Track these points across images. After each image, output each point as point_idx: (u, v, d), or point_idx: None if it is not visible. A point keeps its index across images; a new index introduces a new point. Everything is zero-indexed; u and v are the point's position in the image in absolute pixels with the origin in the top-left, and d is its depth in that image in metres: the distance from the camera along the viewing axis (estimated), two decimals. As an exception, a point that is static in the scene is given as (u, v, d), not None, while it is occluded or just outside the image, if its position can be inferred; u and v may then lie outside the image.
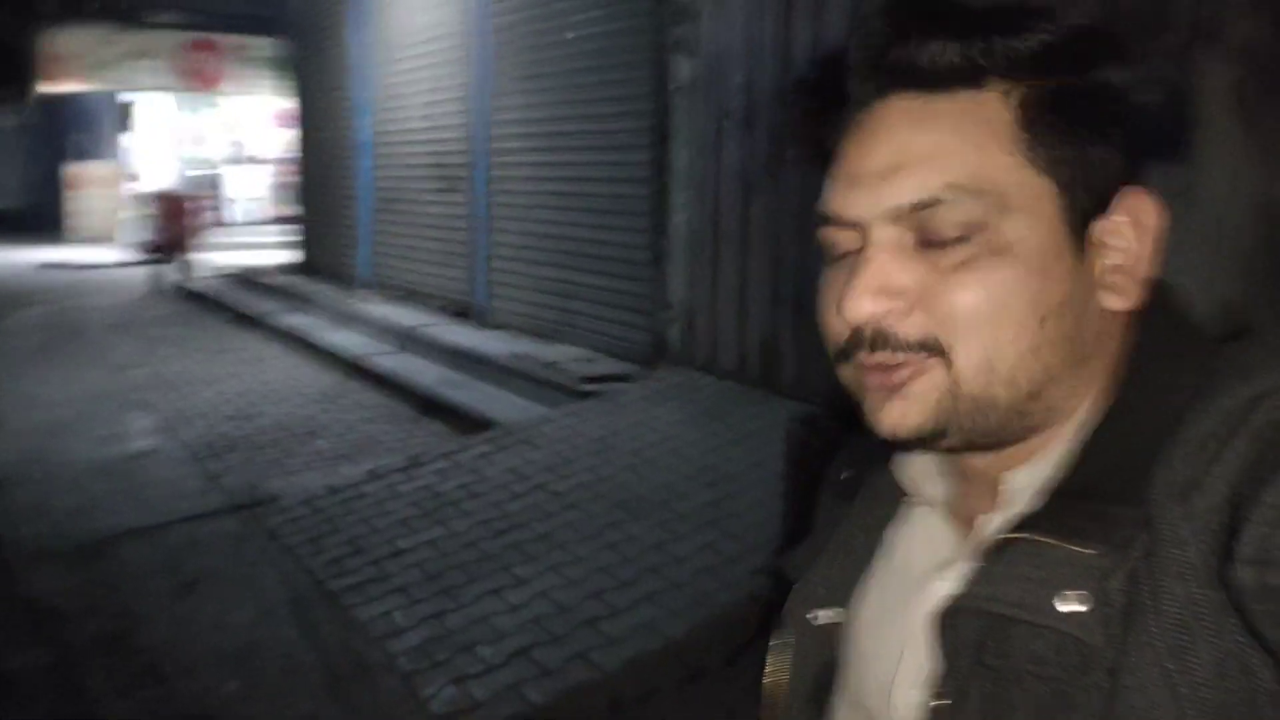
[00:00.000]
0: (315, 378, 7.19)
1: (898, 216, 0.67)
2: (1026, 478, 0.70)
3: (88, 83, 17.03)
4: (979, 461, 0.73)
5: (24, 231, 21.45)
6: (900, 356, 0.68)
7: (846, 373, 0.72)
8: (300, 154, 11.59)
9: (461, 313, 7.68)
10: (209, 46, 16.84)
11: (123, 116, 18.31)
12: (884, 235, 0.68)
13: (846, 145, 0.71)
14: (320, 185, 10.62)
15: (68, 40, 16.69)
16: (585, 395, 5.33)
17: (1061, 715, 0.61)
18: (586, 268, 6.34)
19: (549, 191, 6.75)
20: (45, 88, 17.50)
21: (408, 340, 7.27)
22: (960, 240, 0.66)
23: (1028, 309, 0.66)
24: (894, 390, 0.69)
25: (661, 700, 2.93)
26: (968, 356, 0.66)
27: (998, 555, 0.66)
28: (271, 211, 16.88)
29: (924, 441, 0.70)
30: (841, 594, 0.82)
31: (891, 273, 0.67)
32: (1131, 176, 0.69)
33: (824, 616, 0.83)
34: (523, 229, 7.08)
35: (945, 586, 0.72)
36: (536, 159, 6.87)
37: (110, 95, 17.96)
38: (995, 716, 0.64)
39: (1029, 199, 0.66)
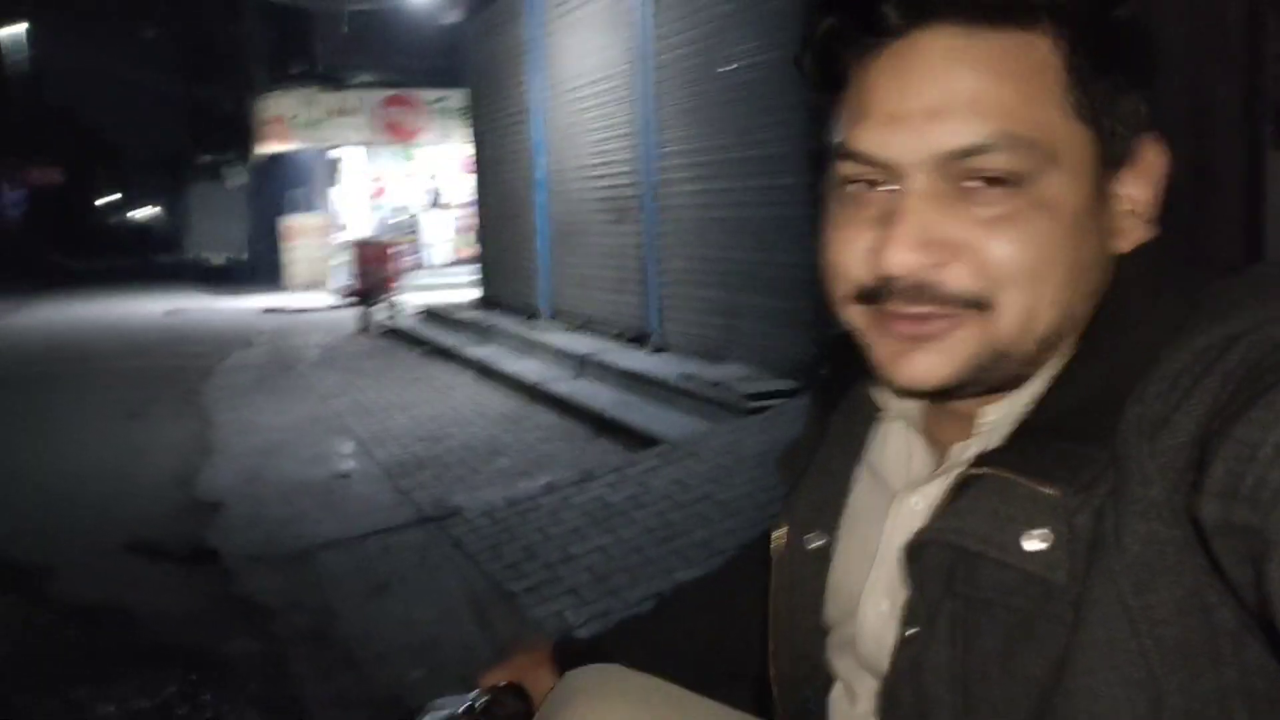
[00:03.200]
0: (499, 403, 7.60)
1: (943, 161, 0.63)
2: (1001, 411, 0.70)
3: (296, 142, 18.34)
4: None
5: (248, 281, 23.33)
6: (941, 309, 0.65)
7: (856, 314, 0.70)
8: (482, 195, 12.19)
9: (635, 338, 7.94)
10: (404, 101, 17.86)
11: (331, 171, 19.65)
12: (924, 182, 0.64)
13: (875, 76, 0.66)
14: (502, 223, 11.16)
15: (277, 104, 18.10)
16: (750, 412, 5.46)
17: (1025, 643, 0.62)
18: (750, 288, 6.49)
19: (713, 218, 6.94)
20: (263, 149, 19.02)
21: (584, 366, 7.59)
22: (1004, 187, 0.63)
23: (1068, 266, 0.65)
24: (922, 340, 0.66)
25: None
26: (1011, 312, 0.64)
27: (965, 490, 0.65)
28: (462, 252, 17.73)
29: (943, 394, 0.69)
30: (827, 517, 0.82)
31: (933, 223, 0.64)
32: (1149, 125, 0.68)
33: (816, 541, 0.82)
34: (689, 254, 7.30)
35: (917, 507, 0.72)
36: (700, 186, 7.08)
37: (320, 152, 19.32)
38: (964, 641, 0.65)
39: (1074, 154, 0.64)
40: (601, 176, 8.59)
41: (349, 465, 6.03)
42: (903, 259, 0.64)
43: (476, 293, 12.35)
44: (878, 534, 0.76)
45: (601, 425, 6.29)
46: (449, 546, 4.46)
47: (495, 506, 4.80)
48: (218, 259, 30.61)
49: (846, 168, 0.68)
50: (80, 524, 5.03)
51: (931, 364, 0.66)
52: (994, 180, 0.63)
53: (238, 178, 27.95)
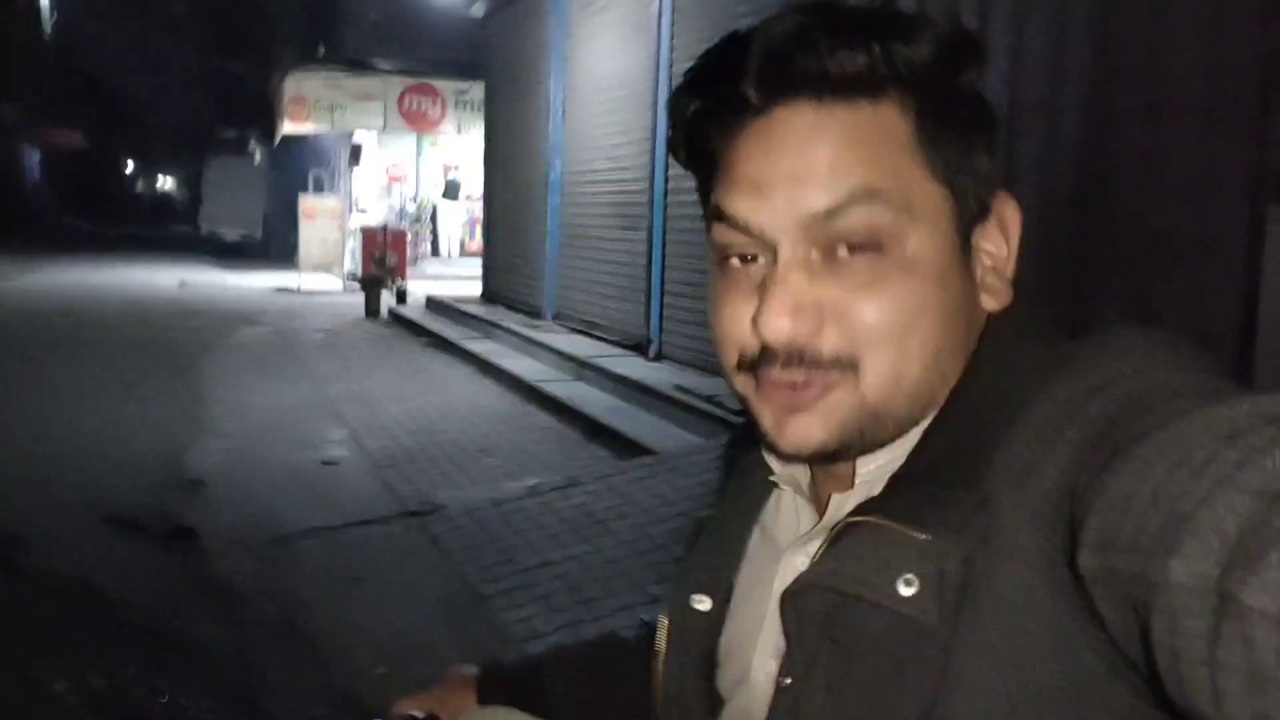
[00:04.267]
0: (494, 400, 7.59)
1: (809, 225, 0.67)
2: (878, 462, 0.71)
3: (318, 124, 18.42)
4: None
5: (261, 258, 23.40)
6: (814, 374, 0.67)
7: (742, 383, 0.72)
8: (490, 191, 12.21)
9: (635, 345, 7.93)
10: (427, 90, 17.94)
11: (352, 154, 19.70)
12: (794, 251, 0.67)
13: (741, 149, 0.70)
14: (512, 221, 11.17)
15: (300, 84, 18.16)
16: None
17: (896, 687, 0.63)
18: (751, 305, 6.47)
19: (720, 230, 6.93)
20: (286, 128, 19.08)
21: (582, 369, 7.58)
22: (869, 253, 0.66)
23: (934, 321, 0.67)
24: (799, 408, 0.69)
25: None
26: (876, 371, 0.67)
27: (843, 536, 0.67)
28: (475, 244, 17.76)
29: (825, 458, 0.71)
30: (717, 579, 0.82)
31: (804, 289, 0.67)
32: (1001, 182, 0.71)
33: (703, 603, 0.82)
34: (693, 266, 7.27)
35: (801, 564, 0.73)
36: (710, 199, 7.07)
37: (342, 135, 19.38)
38: (839, 687, 0.66)
39: (930, 208, 0.67)
40: (613, 182, 8.59)
41: (338, 453, 6.02)
42: (777, 325, 0.67)
43: (482, 285, 12.36)
44: (762, 599, 0.77)
45: (594, 430, 6.27)
46: (428, 543, 4.46)
47: (478, 506, 4.79)
48: (232, 234, 30.67)
49: (721, 233, 0.71)
50: (60, 494, 5.03)
51: (808, 429, 0.69)
52: (860, 247, 0.67)
53: (259, 154, 28.06)
